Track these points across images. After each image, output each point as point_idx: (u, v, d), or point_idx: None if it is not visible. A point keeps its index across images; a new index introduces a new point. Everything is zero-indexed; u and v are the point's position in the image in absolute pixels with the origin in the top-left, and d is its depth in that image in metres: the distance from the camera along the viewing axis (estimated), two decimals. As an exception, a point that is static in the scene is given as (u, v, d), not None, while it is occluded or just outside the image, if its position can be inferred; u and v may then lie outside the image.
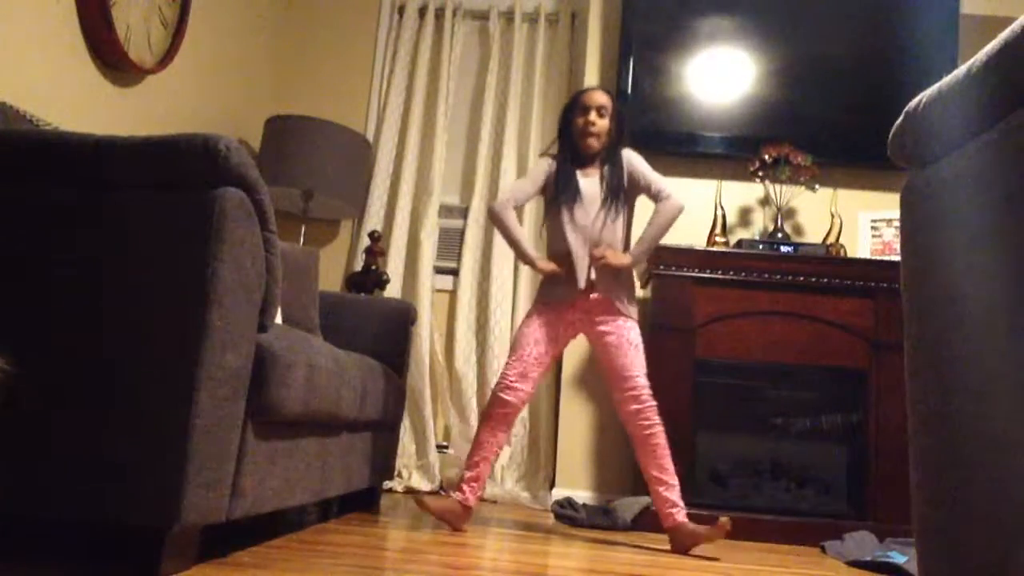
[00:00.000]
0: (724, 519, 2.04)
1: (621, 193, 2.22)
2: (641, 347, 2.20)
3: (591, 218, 2.20)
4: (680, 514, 2.10)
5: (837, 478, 2.70)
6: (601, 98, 2.25)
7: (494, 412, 2.17)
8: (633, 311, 2.23)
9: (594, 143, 2.24)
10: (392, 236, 3.33)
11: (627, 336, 2.18)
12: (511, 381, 2.17)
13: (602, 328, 2.19)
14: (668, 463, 2.12)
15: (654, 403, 2.15)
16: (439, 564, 1.54)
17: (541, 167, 2.30)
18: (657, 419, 2.14)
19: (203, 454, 1.19)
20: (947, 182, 0.93)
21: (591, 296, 2.19)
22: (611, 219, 2.21)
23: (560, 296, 2.21)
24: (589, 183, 2.24)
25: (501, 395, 2.17)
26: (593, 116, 2.23)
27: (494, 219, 2.24)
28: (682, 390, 2.63)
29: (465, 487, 2.13)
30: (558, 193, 2.24)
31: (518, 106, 3.45)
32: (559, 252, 2.23)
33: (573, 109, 2.28)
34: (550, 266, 2.21)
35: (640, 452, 2.15)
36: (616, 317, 2.19)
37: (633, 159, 2.27)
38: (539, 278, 2.37)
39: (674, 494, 2.11)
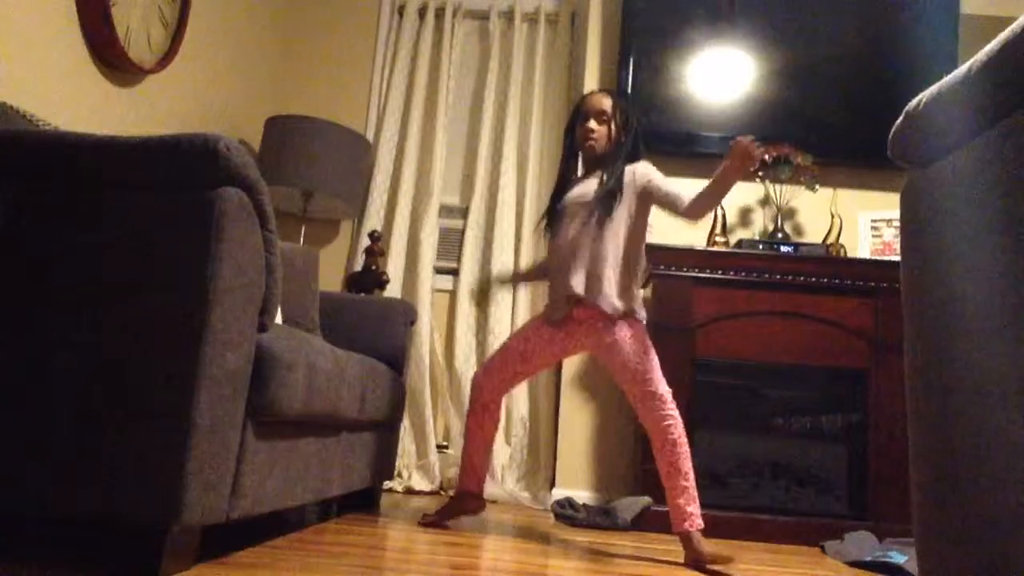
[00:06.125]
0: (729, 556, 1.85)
1: (612, 201, 2.03)
2: (647, 344, 2.01)
3: (576, 227, 2.06)
4: (689, 522, 1.89)
5: (837, 478, 2.70)
6: (601, 103, 2.12)
7: (473, 399, 2.16)
8: (632, 308, 2.03)
9: (593, 147, 2.12)
10: (392, 236, 3.33)
11: (626, 334, 2.00)
12: (488, 366, 2.15)
13: (601, 335, 2.03)
14: (684, 465, 1.94)
15: (666, 394, 1.97)
16: (439, 564, 1.54)
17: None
18: (672, 412, 1.96)
19: (203, 454, 1.19)
20: (947, 182, 0.93)
21: (580, 305, 2.04)
22: (598, 227, 2.03)
23: (552, 311, 2.11)
24: (582, 190, 2.10)
25: (476, 380, 2.16)
26: (592, 123, 2.11)
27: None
28: (682, 390, 2.63)
29: (464, 478, 2.18)
30: (551, 207, 2.14)
31: (518, 106, 3.45)
32: (550, 268, 2.14)
33: (577, 114, 2.17)
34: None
35: (655, 453, 1.99)
36: (614, 323, 2.01)
37: (650, 171, 2.09)
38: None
39: (683, 498, 1.92)
